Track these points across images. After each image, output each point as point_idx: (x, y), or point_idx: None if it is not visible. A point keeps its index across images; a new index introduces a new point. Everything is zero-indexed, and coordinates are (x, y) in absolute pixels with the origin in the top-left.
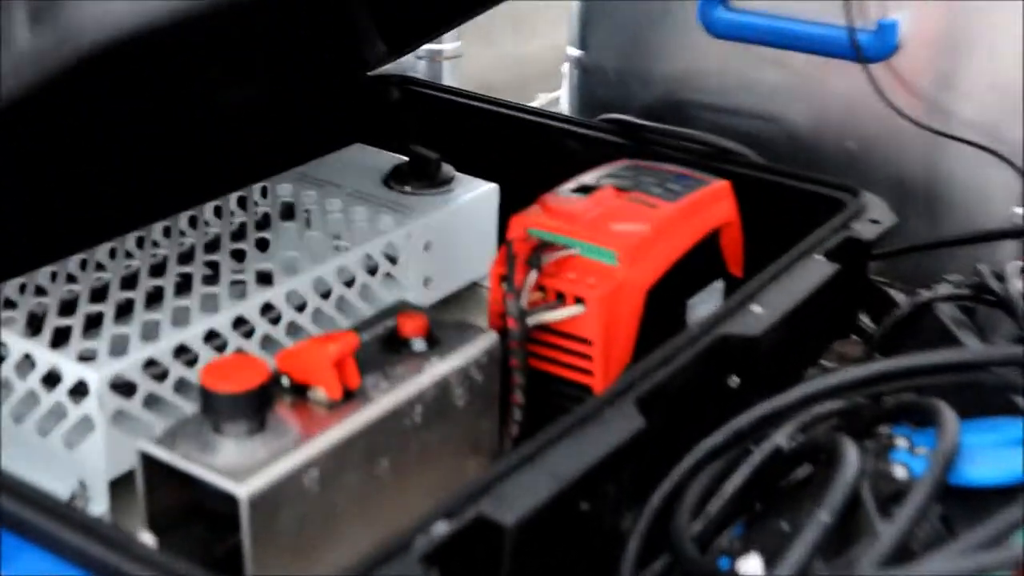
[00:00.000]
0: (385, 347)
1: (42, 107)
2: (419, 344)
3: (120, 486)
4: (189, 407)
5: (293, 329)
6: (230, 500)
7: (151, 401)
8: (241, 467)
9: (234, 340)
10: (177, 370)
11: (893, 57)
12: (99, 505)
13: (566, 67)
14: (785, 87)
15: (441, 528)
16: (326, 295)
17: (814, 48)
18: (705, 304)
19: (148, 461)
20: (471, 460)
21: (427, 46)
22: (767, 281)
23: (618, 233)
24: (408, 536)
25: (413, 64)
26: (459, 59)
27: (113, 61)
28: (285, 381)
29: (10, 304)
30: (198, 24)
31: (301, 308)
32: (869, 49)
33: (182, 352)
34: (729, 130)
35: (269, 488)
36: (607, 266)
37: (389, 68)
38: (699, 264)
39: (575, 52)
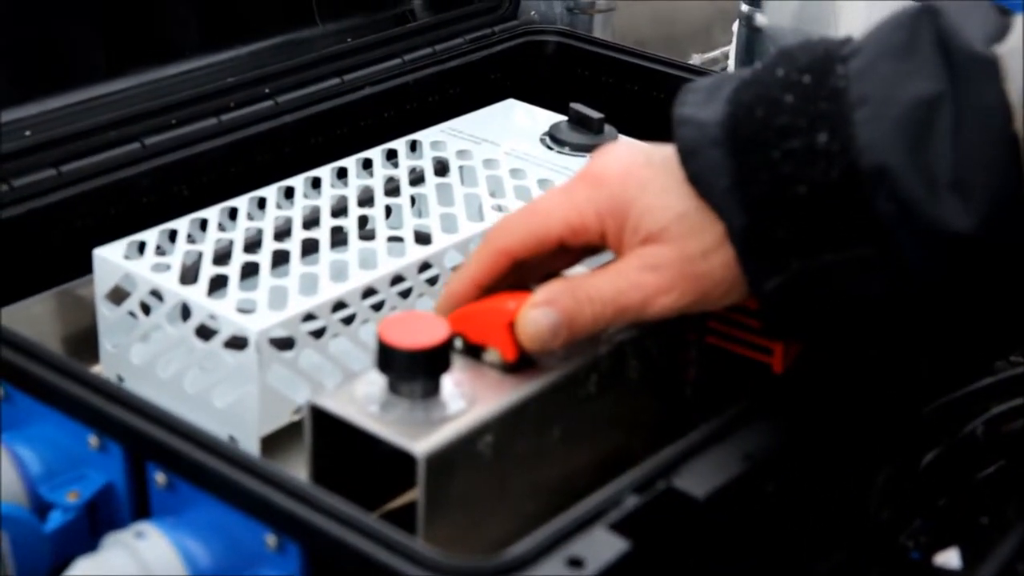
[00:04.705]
0: None
1: None
2: None
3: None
4: (344, 364)
5: None
6: (406, 459)
7: (305, 356)
8: (417, 427)
9: (391, 299)
10: (334, 327)
11: None
12: None
13: (735, 25)
14: None
15: (631, 499)
16: None
17: None
18: None
19: (319, 416)
20: (637, 436)
21: None
22: None
23: None
24: (599, 505)
25: (561, 16)
26: (612, 12)
27: None
28: (459, 343)
29: (160, 252)
30: None
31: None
32: None
33: (339, 308)
34: None
35: (446, 449)
36: None
37: (538, 19)
38: None
39: (746, 8)
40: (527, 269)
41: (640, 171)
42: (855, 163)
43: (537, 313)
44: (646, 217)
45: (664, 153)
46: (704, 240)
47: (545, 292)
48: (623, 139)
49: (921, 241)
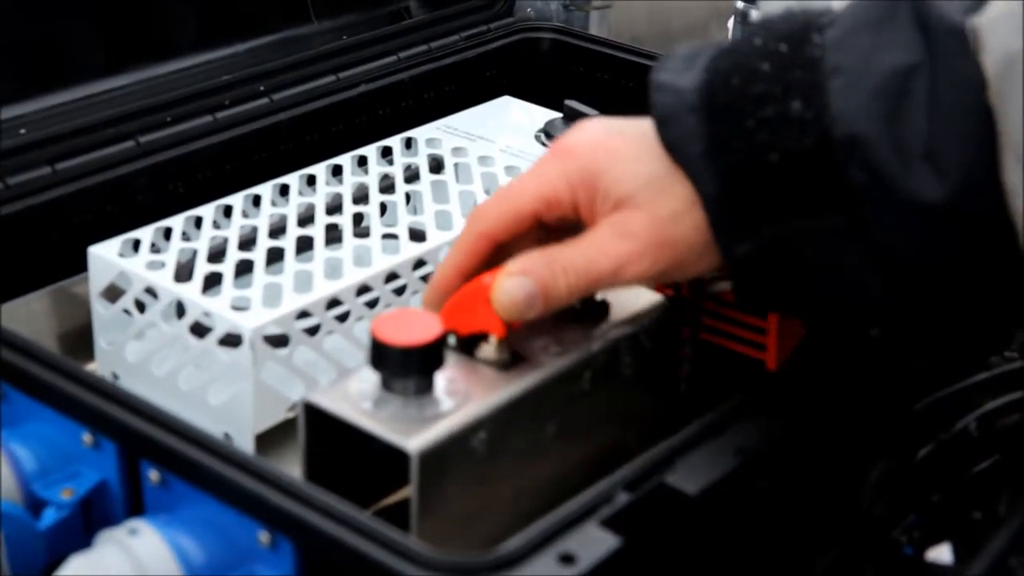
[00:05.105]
0: None
1: None
2: (589, 308)
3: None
4: (339, 361)
5: None
6: (399, 456)
7: (299, 353)
8: (411, 423)
9: (386, 296)
10: (329, 324)
11: None
12: None
13: (731, 22)
14: None
15: (623, 496)
16: None
17: None
18: None
19: (312, 413)
20: (631, 432)
21: None
22: None
23: None
24: (591, 502)
25: (557, 12)
26: (607, 9)
27: None
28: (452, 339)
29: (155, 249)
30: None
31: None
32: None
33: (333, 305)
34: None
35: (439, 446)
36: None
37: (534, 16)
38: None
39: (741, 5)
40: (509, 252)
41: (610, 140)
42: (828, 131)
43: (512, 282)
44: (616, 184)
45: (636, 123)
46: (675, 204)
47: (520, 262)
48: (597, 116)
49: (892, 210)
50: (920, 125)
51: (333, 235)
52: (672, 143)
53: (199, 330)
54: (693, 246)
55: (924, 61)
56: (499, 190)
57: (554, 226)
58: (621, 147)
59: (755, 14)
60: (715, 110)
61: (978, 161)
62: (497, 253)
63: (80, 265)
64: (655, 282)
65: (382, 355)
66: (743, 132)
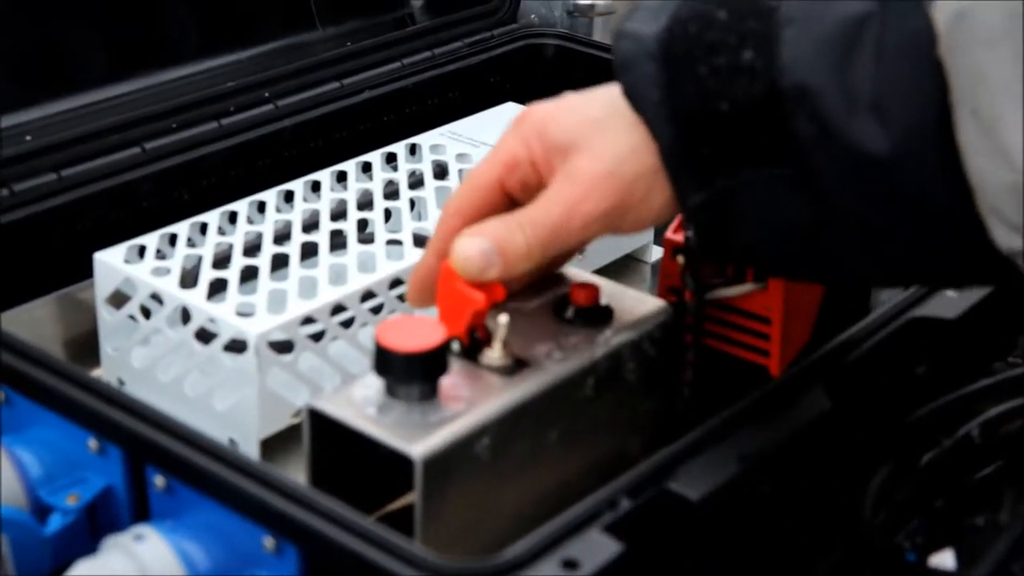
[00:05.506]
0: (557, 316)
1: None
2: (592, 314)
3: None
4: (343, 367)
5: None
6: (403, 462)
7: (304, 359)
8: (415, 429)
9: (390, 302)
10: (333, 330)
11: None
12: None
13: None
14: None
15: (626, 502)
16: None
17: None
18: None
19: (317, 418)
20: (634, 438)
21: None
22: None
23: None
24: (593, 508)
25: (561, 19)
26: (611, 15)
27: None
28: (456, 345)
29: (160, 255)
30: None
31: None
32: None
33: (337, 311)
34: None
35: (443, 452)
36: None
37: (537, 23)
38: None
39: None
40: None
41: (564, 98)
42: (776, 81)
43: (466, 241)
44: (564, 131)
45: (597, 88)
46: (621, 145)
47: (477, 225)
48: None
49: (837, 161)
50: (868, 76)
51: (337, 241)
52: (630, 89)
53: (204, 336)
54: (638, 185)
55: (876, 11)
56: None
57: (525, 199)
58: (573, 100)
59: None
60: (671, 57)
61: (925, 115)
62: None
63: (85, 271)
64: (610, 226)
65: (386, 361)
66: (696, 79)
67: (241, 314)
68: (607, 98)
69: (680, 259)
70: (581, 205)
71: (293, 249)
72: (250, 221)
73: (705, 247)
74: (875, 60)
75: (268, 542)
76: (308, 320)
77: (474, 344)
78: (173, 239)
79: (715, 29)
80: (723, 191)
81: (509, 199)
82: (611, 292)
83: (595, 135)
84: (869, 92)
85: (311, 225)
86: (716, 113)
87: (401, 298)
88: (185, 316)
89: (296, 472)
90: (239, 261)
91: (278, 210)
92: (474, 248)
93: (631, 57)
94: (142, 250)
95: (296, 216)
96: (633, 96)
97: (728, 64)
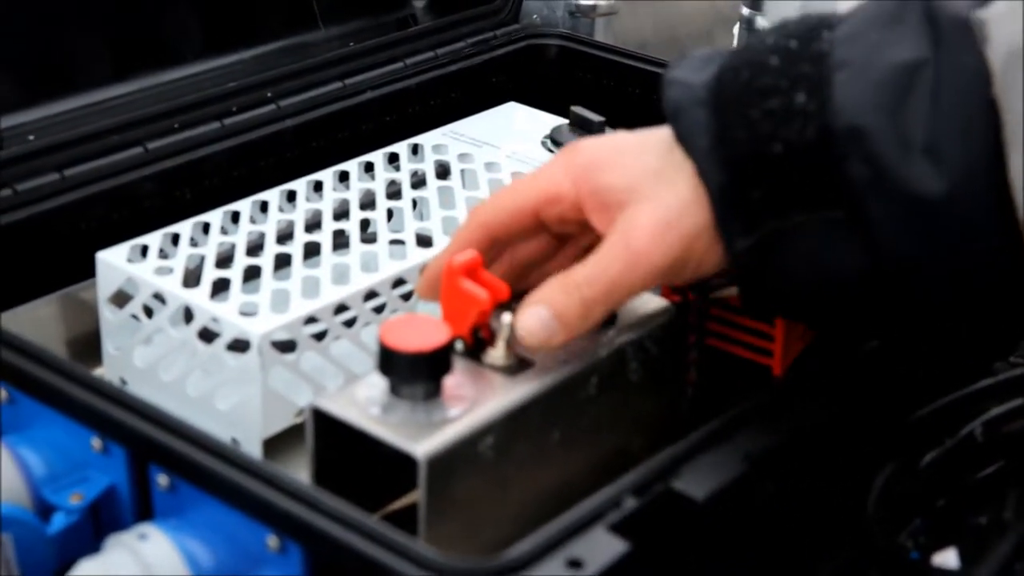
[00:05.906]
0: None
1: None
2: None
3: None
4: (346, 367)
5: None
6: (407, 461)
7: (307, 359)
8: (418, 429)
9: (393, 301)
10: (336, 329)
11: None
12: None
13: (736, 28)
14: None
15: (630, 501)
16: None
17: None
18: None
19: (320, 418)
20: (637, 438)
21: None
22: None
23: None
24: (598, 507)
25: (563, 19)
26: (613, 16)
27: None
28: (459, 345)
29: (163, 255)
30: None
31: None
32: None
33: (340, 310)
34: None
35: (447, 451)
36: None
37: (540, 23)
38: None
39: (747, 12)
40: (508, 247)
41: (617, 138)
42: (830, 124)
43: (527, 313)
44: (620, 177)
45: (647, 130)
46: (680, 196)
47: (538, 291)
48: (602, 121)
49: (891, 204)
50: (923, 118)
51: (340, 241)
52: (682, 136)
53: (207, 335)
54: (699, 238)
55: (931, 57)
56: (508, 184)
57: (558, 230)
58: (627, 144)
59: (760, 21)
60: (722, 102)
61: (980, 155)
62: (499, 251)
63: (88, 271)
64: (668, 279)
65: (390, 361)
66: (748, 123)
67: (244, 314)
68: (662, 145)
69: None
70: (641, 260)
71: (296, 249)
72: (252, 221)
73: (750, 296)
74: (930, 102)
75: (272, 541)
76: (311, 320)
77: (478, 344)
78: (176, 239)
79: (767, 74)
80: (772, 234)
81: (541, 226)
82: None
83: (653, 186)
84: (924, 134)
85: (314, 225)
86: (768, 156)
87: (404, 297)
88: (188, 315)
89: (299, 472)
90: (242, 261)
91: (281, 210)
92: (534, 321)
93: (681, 104)
94: (145, 250)
95: (299, 216)
96: (684, 142)
97: (781, 107)
